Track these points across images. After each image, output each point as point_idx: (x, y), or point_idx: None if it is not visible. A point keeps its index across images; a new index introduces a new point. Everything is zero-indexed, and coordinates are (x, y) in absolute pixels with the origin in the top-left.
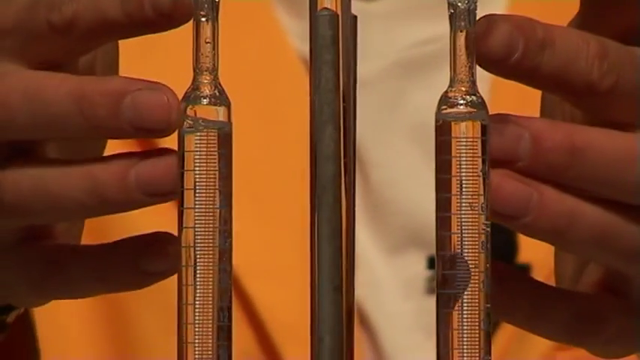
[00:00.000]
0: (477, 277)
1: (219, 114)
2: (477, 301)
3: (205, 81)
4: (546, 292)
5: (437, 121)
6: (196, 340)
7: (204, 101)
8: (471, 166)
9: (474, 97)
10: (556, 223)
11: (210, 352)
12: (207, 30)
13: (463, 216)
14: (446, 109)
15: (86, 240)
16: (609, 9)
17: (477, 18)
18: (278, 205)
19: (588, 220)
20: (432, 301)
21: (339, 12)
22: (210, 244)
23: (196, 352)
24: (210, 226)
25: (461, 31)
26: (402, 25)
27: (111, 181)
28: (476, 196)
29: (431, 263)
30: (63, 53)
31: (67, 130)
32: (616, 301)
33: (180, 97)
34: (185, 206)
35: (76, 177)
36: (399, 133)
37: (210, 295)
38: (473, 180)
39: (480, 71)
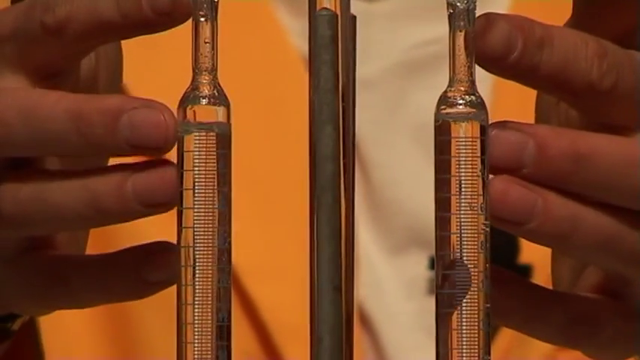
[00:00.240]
0: (476, 278)
1: (218, 114)
2: (476, 301)
3: (204, 81)
4: (542, 295)
5: (436, 121)
6: (196, 340)
7: (204, 101)
8: (470, 166)
9: (473, 97)
10: (560, 228)
11: (209, 352)
12: (206, 30)
13: (462, 216)
14: (445, 109)
15: (92, 248)
16: (603, 13)
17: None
18: (278, 205)
19: (592, 225)
20: (433, 302)
21: (339, 12)
22: (210, 244)
23: (196, 352)
24: (210, 226)
25: (460, 31)
26: (405, 25)
27: (108, 192)
28: (475, 197)
29: (433, 264)
30: (60, 57)
31: (64, 148)
32: (612, 304)
33: (179, 97)
34: (184, 206)
35: (74, 188)
36: (402, 134)
37: (210, 295)
38: (472, 180)
39: (481, 72)
